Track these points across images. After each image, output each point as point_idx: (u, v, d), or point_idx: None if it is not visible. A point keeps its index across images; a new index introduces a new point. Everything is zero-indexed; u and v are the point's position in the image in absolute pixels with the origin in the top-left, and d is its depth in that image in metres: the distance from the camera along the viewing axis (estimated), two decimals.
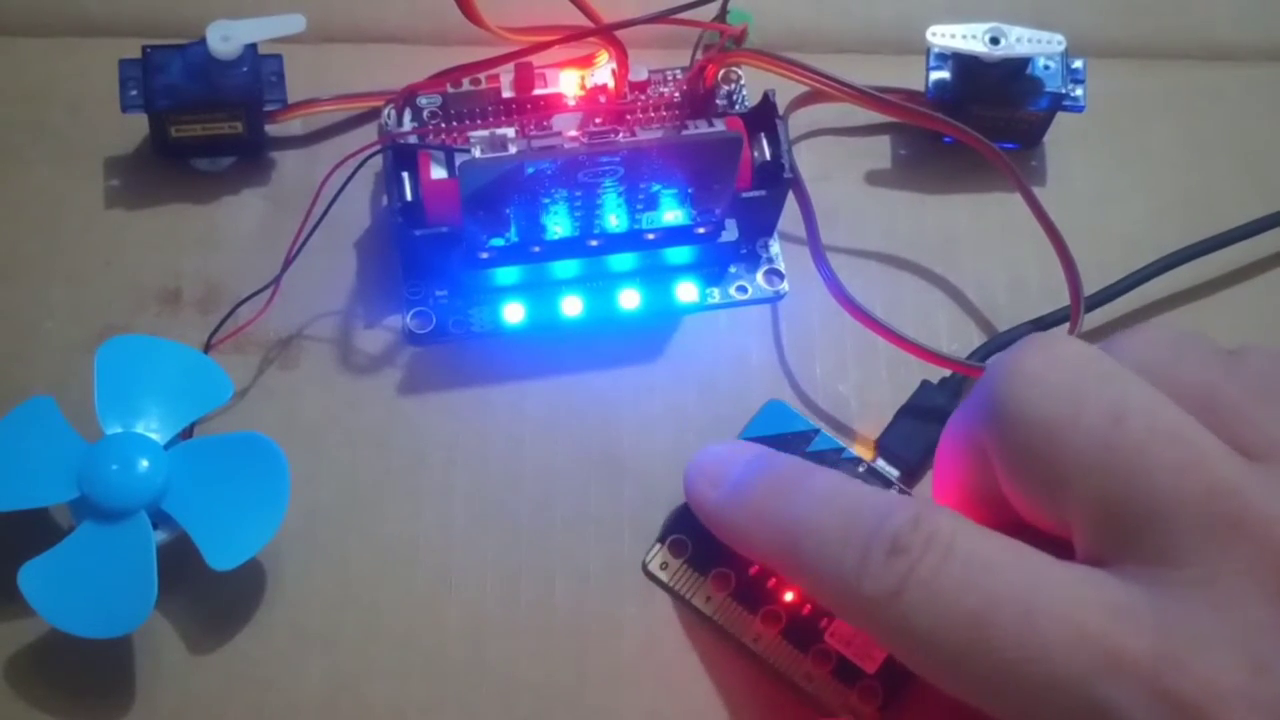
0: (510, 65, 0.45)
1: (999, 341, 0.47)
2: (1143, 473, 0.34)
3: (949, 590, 0.35)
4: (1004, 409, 0.36)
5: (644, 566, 0.44)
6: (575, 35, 0.44)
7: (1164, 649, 0.32)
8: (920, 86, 0.49)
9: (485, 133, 0.42)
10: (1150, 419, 0.35)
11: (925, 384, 0.46)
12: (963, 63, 0.48)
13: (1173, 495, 0.34)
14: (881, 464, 0.45)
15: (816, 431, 0.45)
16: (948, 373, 0.46)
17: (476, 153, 0.41)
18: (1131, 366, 0.36)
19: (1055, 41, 0.47)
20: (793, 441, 0.45)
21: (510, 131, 0.43)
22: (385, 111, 0.47)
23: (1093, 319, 0.47)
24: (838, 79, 0.46)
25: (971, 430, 0.38)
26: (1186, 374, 0.36)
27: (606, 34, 0.45)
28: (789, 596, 0.43)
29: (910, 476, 0.45)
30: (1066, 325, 0.46)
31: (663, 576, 0.43)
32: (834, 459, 0.44)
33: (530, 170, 0.41)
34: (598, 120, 0.46)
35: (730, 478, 0.42)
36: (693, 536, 0.44)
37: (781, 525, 0.39)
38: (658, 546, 0.44)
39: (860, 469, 0.44)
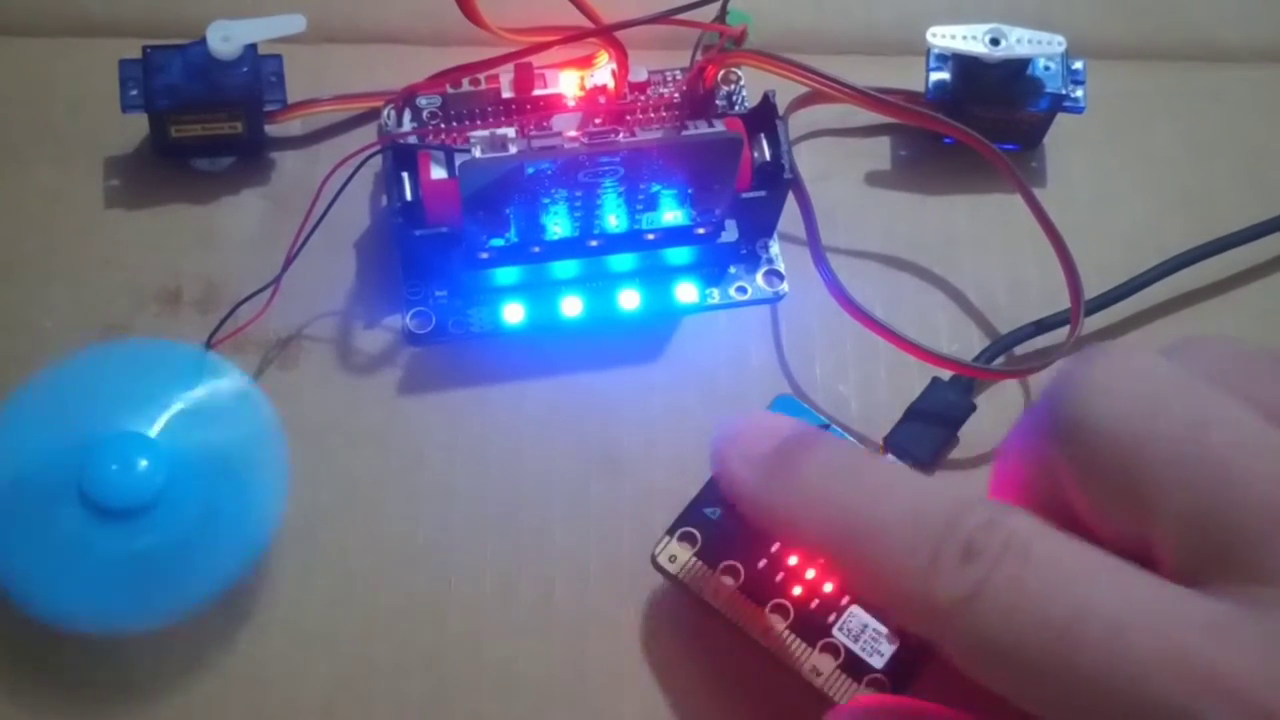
0: (510, 66, 0.45)
1: (1003, 344, 0.47)
2: (1234, 485, 0.32)
3: (1029, 599, 0.32)
4: (1075, 422, 0.34)
5: (653, 559, 0.43)
6: (575, 36, 0.44)
7: (1269, 671, 0.30)
8: (920, 87, 0.49)
9: (485, 133, 0.42)
10: (1236, 429, 0.33)
11: (935, 381, 0.46)
12: (963, 64, 0.48)
13: (1269, 508, 0.32)
14: (889, 459, 0.45)
15: (827, 427, 0.45)
16: None
17: (476, 153, 0.41)
18: (1203, 377, 0.34)
19: (1055, 43, 0.47)
20: None
21: (510, 131, 0.43)
22: (385, 112, 0.47)
23: (1094, 322, 0.47)
24: (837, 79, 0.46)
25: (1036, 444, 0.36)
26: (1259, 385, 0.35)
27: (606, 35, 0.45)
28: (797, 591, 0.43)
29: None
30: (1075, 329, 0.45)
31: (671, 569, 0.43)
32: None
33: (530, 170, 0.41)
34: (598, 120, 0.46)
35: (770, 454, 0.38)
36: (702, 529, 0.44)
37: (835, 515, 0.36)
38: (666, 539, 0.44)
39: None
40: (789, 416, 0.41)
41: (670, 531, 0.44)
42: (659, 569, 0.43)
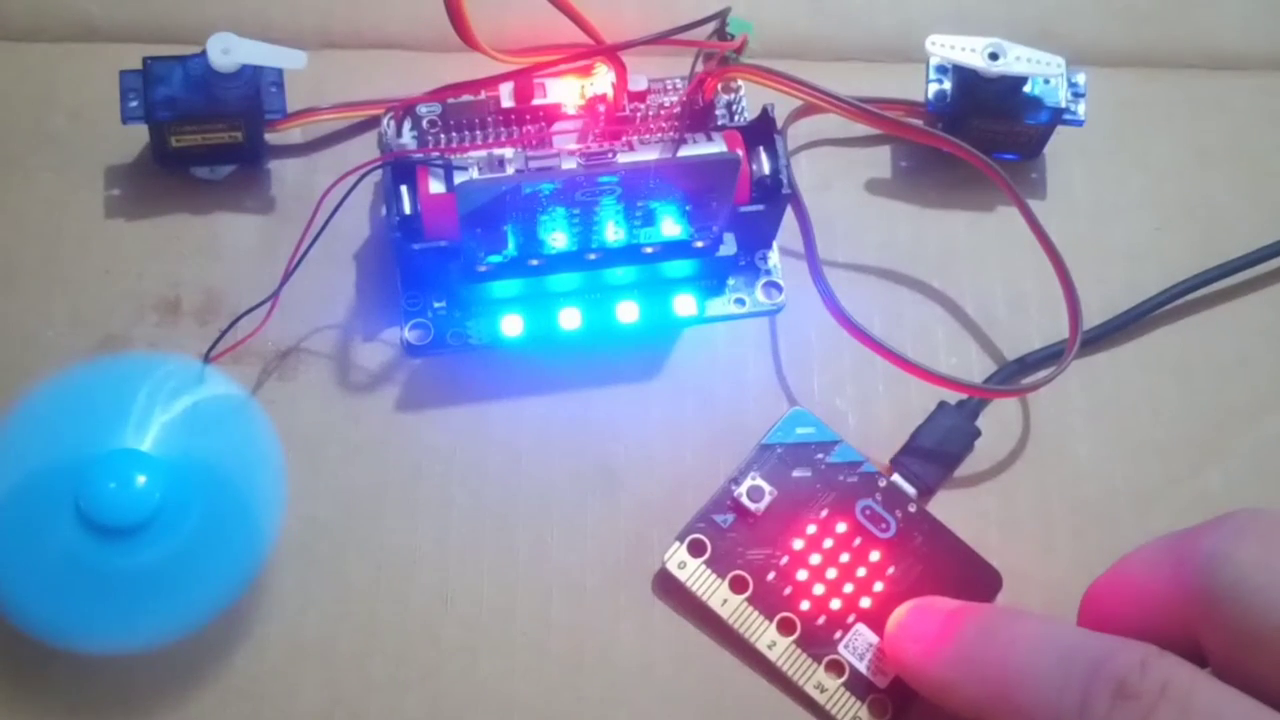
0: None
1: (1009, 370, 0.47)
2: None
3: None
4: (1230, 590, 0.35)
5: (663, 564, 0.44)
6: (574, 56, 0.44)
7: None
8: (922, 95, 0.49)
9: (483, 153, 0.42)
10: None
11: (943, 405, 0.46)
12: (962, 75, 0.48)
13: None
14: (898, 479, 0.45)
15: (837, 442, 0.45)
16: None
17: (474, 173, 0.41)
18: None
19: (1055, 64, 0.47)
20: (814, 450, 0.45)
21: (508, 152, 0.43)
22: (384, 120, 0.47)
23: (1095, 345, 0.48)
24: (835, 94, 0.45)
25: (1174, 592, 0.37)
26: None
27: (607, 54, 0.45)
28: (805, 605, 0.43)
29: (925, 495, 0.45)
30: (1070, 351, 0.45)
31: (680, 576, 0.44)
32: (853, 471, 0.45)
33: (527, 190, 0.41)
34: (595, 134, 0.46)
35: (931, 630, 0.40)
36: (712, 538, 0.44)
37: (990, 672, 0.37)
38: (676, 545, 0.44)
39: (882, 484, 0.45)
40: (951, 600, 0.42)
41: (681, 538, 0.44)
42: (668, 577, 0.44)
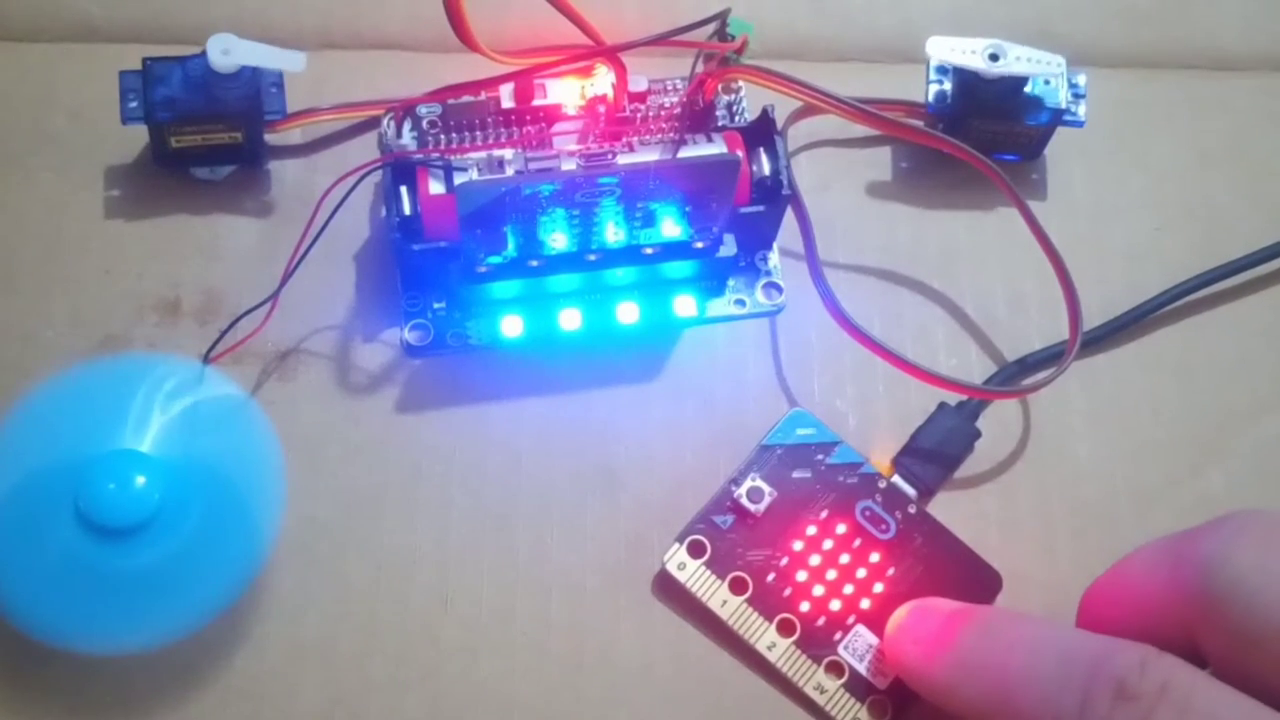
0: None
1: (1009, 371, 0.47)
2: None
3: None
4: (1226, 599, 0.35)
5: (663, 565, 0.44)
6: (574, 57, 0.44)
7: None
8: (922, 96, 0.49)
9: (483, 155, 0.42)
10: None
11: (943, 406, 0.46)
12: (962, 76, 0.48)
13: None
14: (898, 480, 0.45)
15: (838, 443, 0.45)
16: None
17: (474, 174, 0.41)
18: None
19: (1055, 63, 0.47)
20: (814, 452, 0.45)
21: (508, 153, 0.43)
22: (384, 121, 0.47)
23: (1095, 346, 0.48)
24: (835, 95, 0.45)
25: (1173, 593, 0.37)
26: None
27: (607, 55, 0.45)
28: (805, 607, 0.43)
29: (925, 496, 0.45)
30: (1070, 352, 0.45)
31: (680, 577, 0.44)
32: (853, 472, 0.45)
33: (527, 191, 0.41)
34: (595, 135, 0.46)
35: (931, 633, 0.40)
36: (712, 539, 0.44)
37: (991, 675, 0.37)
38: (676, 546, 0.44)
39: (881, 484, 0.45)
40: (951, 601, 0.42)
41: (680, 539, 0.44)
42: (668, 577, 0.44)
